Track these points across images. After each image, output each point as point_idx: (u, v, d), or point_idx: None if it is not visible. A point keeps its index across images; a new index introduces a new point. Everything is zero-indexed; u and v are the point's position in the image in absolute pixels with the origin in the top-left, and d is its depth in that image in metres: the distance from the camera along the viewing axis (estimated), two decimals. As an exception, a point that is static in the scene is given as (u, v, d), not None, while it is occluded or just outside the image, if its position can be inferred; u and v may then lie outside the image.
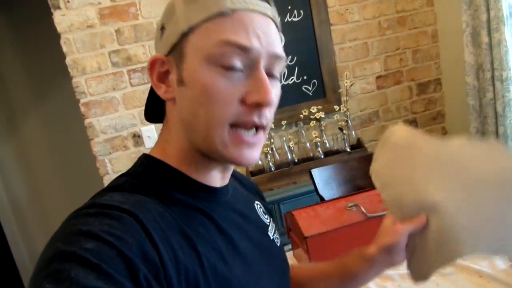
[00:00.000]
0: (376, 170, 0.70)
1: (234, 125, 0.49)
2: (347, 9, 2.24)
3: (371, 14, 2.28)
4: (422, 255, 0.64)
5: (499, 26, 1.78)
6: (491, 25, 1.82)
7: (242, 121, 0.48)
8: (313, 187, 1.60)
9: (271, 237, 0.65)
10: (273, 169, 2.05)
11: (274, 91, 0.50)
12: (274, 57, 0.50)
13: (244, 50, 0.47)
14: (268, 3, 0.51)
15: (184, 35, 0.48)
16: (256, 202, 0.69)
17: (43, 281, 0.36)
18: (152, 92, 0.57)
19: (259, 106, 0.48)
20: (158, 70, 0.52)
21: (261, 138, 0.52)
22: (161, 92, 0.52)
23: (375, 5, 2.28)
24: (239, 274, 0.52)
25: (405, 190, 0.66)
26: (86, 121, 1.98)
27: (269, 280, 0.59)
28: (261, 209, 0.68)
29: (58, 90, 2.80)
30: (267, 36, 0.49)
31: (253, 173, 2.08)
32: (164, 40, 0.51)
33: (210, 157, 0.52)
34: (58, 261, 0.37)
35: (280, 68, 0.52)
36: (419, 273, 0.65)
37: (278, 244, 0.67)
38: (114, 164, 2.03)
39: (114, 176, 2.00)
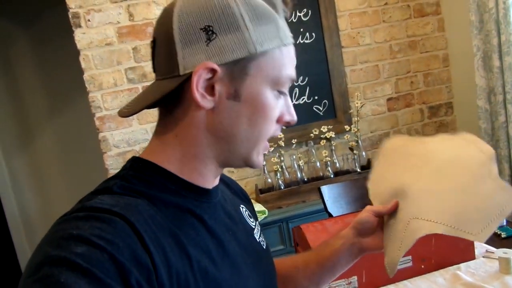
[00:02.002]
0: (371, 175, 0.79)
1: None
2: (359, 33, 2.28)
3: (382, 37, 2.31)
4: (393, 237, 0.67)
5: (510, 50, 1.80)
6: (502, 49, 1.83)
7: (273, 135, 0.56)
8: (322, 206, 1.59)
9: (258, 240, 0.65)
10: (282, 187, 2.04)
11: None
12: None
13: (292, 80, 0.55)
14: None
15: (252, 55, 0.50)
16: (242, 205, 0.69)
17: (32, 286, 0.36)
18: (174, 89, 0.51)
19: (288, 125, 0.57)
20: (205, 77, 0.49)
21: None
22: (204, 101, 0.50)
23: (386, 30, 2.32)
24: (228, 277, 0.52)
25: (384, 183, 0.74)
26: (100, 135, 2.03)
27: (256, 282, 0.58)
28: (246, 212, 0.68)
29: (72, 105, 2.88)
30: None
31: (262, 191, 2.07)
32: (216, 47, 0.49)
33: (231, 163, 0.56)
34: (48, 266, 0.37)
35: None
36: (390, 259, 0.66)
37: (264, 247, 0.67)
38: (125, 178, 2.05)
39: (124, 189, 2.04)
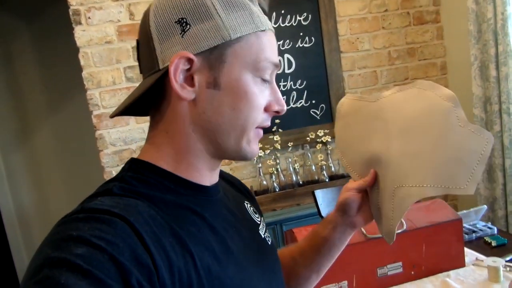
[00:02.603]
0: (336, 142, 0.76)
1: (257, 127, 0.56)
2: (358, 38, 2.30)
3: (381, 44, 2.33)
4: (383, 210, 0.65)
5: (507, 61, 1.81)
6: (499, 59, 1.85)
7: (263, 125, 0.56)
8: (316, 210, 1.60)
9: (263, 236, 0.65)
10: (277, 190, 2.05)
11: None
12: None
13: (275, 65, 0.55)
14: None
15: (228, 41, 0.50)
16: (246, 201, 0.69)
17: None
18: (150, 88, 0.52)
19: (275, 113, 0.56)
20: (182, 68, 0.50)
21: None
22: (183, 92, 0.50)
23: (386, 36, 2.33)
24: (232, 274, 0.52)
25: (356, 151, 0.71)
26: (97, 133, 2.03)
27: (261, 279, 0.59)
28: (251, 208, 0.69)
29: (70, 102, 2.88)
30: None
31: (257, 193, 2.08)
32: (190, 37, 0.49)
33: (222, 154, 0.55)
34: (48, 268, 0.37)
35: None
36: (386, 230, 0.65)
37: (270, 243, 0.67)
38: (121, 176, 2.05)
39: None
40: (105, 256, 0.38)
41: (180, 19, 0.50)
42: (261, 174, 2.12)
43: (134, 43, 2.02)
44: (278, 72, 0.64)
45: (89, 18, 1.97)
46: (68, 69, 2.61)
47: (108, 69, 2.01)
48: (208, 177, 0.57)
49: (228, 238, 0.55)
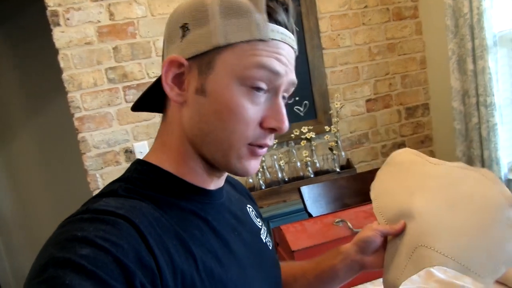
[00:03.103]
0: (374, 185, 0.75)
1: (251, 144, 0.52)
2: (339, 35, 2.32)
3: (362, 40, 2.36)
4: (396, 259, 0.65)
5: (483, 54, 1.86)
6: (476, 53, 1.90)
7: (258, 143, 0.52)
8: (302, 206, 1.62)
9: (264, 240, 0.66)
10: (263, 187, 2.06)
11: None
12: (292, 85, 0.54)
13: (276, 75, 0.50)
14: (294, 36, 0.54)
15: (218, 48, 0.49)
16: (248, 205, 0.70)
17: None
18: (155, 85, 0.56)
19: (273, 131, 0.52)
20: (174, 71, 0.51)
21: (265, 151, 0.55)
22: (172, 93, 0.51)
23: (366, 32, 2.36)
24: (234, 277, 0.52)
25: (392, 199, 0.69)
26: (79, 136, 2.00)
27: (262, 283, 0.59)
28: (253, 213, 0.69)
29: (50, 105, 2.82)
30: (291, 66, 0.53)
31: (243, 191, 2.09)
32: (187, 42, 0.50)
33: (216, 165, 0.54)
34: (52, 268, 0.37)
35: (290, 92, 0.56)
36: (392, 280, 0.65)
37: (270, 247, 0.67)
38: (106, 179, 2.03)
39: (105, 190, 2.02)
40: (109, 257, 0.39)
41: (184, 24, 0.51)
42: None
43: (114, 44, 2.00)
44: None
45: (67, 19, 1.94)
46: (47, 71, 2.56)
47: (89, 71, 1.98)
48: (211, 182, 0.57)
49: (230, 242, 0.55)
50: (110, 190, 0.50)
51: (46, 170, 2.89)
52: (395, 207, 0.69)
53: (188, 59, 0.50)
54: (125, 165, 2.05)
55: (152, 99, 0.58)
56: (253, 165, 0.53)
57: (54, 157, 2.85)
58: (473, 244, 0.61)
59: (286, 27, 0.52)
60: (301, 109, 2.28)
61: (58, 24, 1.93)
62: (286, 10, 0.53)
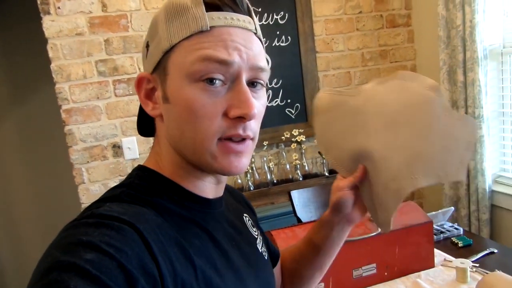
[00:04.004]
0: (317, 138, 0.75)
1: (222, 138, 0.50)
2: (333, 39, 2.33)
3: (355, 45, 2.37)
4: (376, 203, 0.66)
5: (473, 67, 1.89)
6: (467, 65, 1.93)
7: (228, 135, 0.49)
8: (290, 209, 1.62)
9: (260, 250, 0.66)
10: (252, 188, 2.06)
11: (260, 102, 0.52)
12: (258, 69, 0.50)
13: (224, 64, 0.47)
14: (250, 17, 0.51)
15: (166, 53, 0.50)
16: (245, 214, 0.69)
17: None
18: (142, 108, 0.57)
19: (242, 119, 0.49)
20: (145, 87, 0.53)
21: (249, 145, 0.52)
22: (148, 109, 0.54)
23: (359, 38, 2.37)
24: (231, 287, 0.53)
25: (341, 148, 0.70)
26: (66, 128, 1.95)
27: None
28: (249, 222, 0.69)
29: (36, 95, 2.74)
30: (249, 49, 0.49)
31: (231, 191, 2.08)
32: (148, 57, 0.53)
33: (202, 169, 0.53)
34: (57, 272, 0.37)
35: (265, 77, 0.52)
36: (382, 221, 0.66)
37: (266, 257, 0.68)
38: (91, 173, 1.99)
39: (89, 185, 1.99)
40: (113, 263, 0.39)
41: (147, 43, 0.54)
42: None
43: (106, 36, 1.96)
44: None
45: (58, 8, 1.88)
46: (34, 60, 2.49)
47: (78, 62, 1.94)
48: (212, 190, 0.57)
49: (229, 252, 0.56)
50: (113, 195, 0.50)
51: (30, 162, 2.81)
52: (348, 155, 0.69)
53: (152, 73, 0.53)
54: (112, 160, 2.01)
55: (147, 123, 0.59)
56: (234, 162, 0.50)
57: (37, 149, 2.78)
58: (428, 152, 0.61)
59: (234, 10, 0.50)
60: (293, 111, 2.28)
61: (48, 13, 1.88)
62: None
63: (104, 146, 2.00)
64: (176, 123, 0.50)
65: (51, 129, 2.57)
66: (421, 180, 0.61)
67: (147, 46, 0.53)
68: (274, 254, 0.78)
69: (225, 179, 0.59)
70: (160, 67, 0.51)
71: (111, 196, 0.50)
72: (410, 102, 0.64)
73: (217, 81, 0.48)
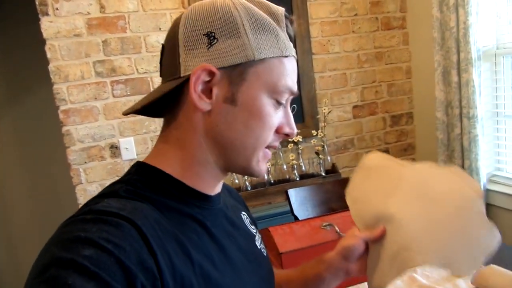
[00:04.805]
0: (349, 190, 0.77)
1: (266, 147, 0.57)
2: (329, 41, 2.35)
3: (351, 47, 2.40)
4: (379, 264, 0.67)
5: (467, 67, 1.92)
6: (461, 66, 1.96)
7: (272, 145, 0.57)
8: (287, 208, 1.63)
9: (258, 247, 0.67)
10: (249, 188, 2.07)
11: None
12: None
13: (292, 94, 0.56)
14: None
15: (251, 61, 0.51)
16: (243, 212, 0.70)
17: (38, 287, 0.36)
18: (168, 93, 0.53)
19: (286, 136, 0.58)
20: (204, 78, 0.51)
21: None
22: (200, 102, 0.51)
23: (355, 40, 2.40)
24: (230, 282, 0.53)
25: (368, 204, 0.72)
26: (64, 129, 1.96)
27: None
28: (247, 219, 0.70)
29: (33, 96, 2.74)
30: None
31: (229, 192, 2.09)
32: (215, 51, 0.51)
33: (229, 169, 0.56)
34: (55, 268, 0.37)
35: None
36: (377, 284, 0.67)
37: (265, 254, 0.68)
38: (89, 173, 2.00)
39: (87, 186, 1.99)
40: (112, 259, 0.39)
41: (209, 33, 0.51)
42: (233, 173, 2.12)
43: (104, 37, 1.97)
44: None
45: (56, 9, 1.89)
46: (31, 61, 2.49)
47: (76, 63, 1.95)
48: (212, 187, 0.58)
49: (227, 248, 0.56)
50: (111, 191, 0.50)
51: (26, 163, 2.80)
52: (372, 212, 0.70)
53: (218, 68, 0.51)
54: (110, 161, 2.02)
55: (154, 104, 0.56)
56: (265, 166, 0.58)
57: (34, 149, 2.78)
58: (451, 241, 0.64)
59: (292, 42, 0.57)
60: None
61: (47, 14, 1.89)
62: (291, 22, 0.57)
63: (102, 147, 2.01)
64: (236, 126, 0.52)
65: (48, 130, 2.57)
66: (431, 258, 0.63)
67: (212, 37, 0.51)
68: None
69: (225, 176, 0.60)
70: (235, 69, 0.51)
71: (109, 192, 0.50)
72: (452, 192, 0.67)
73: (283, 105, 0.56)
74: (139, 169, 0.54)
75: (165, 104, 0.56)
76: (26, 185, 2.81)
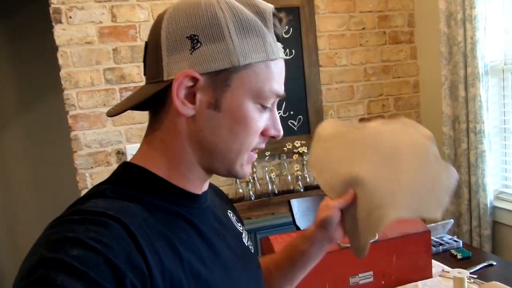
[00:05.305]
0: (312, 162, 0.81)
1: (252, 149, 0.56)
2: (336, 53, 2.37)
3: (358, 60, 2.41)
4: (357, 227, 0.71)
5: (474, 82, 1.91)
6: (468, 80, 1.95)
7: (257, 147, 0.56)
8: (290, 219, 1.63)
9: (246, 244, 0.67)
10: (253, 198, 2.07)
11: None
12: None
13: (279, 97, 0.55)
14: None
15: (236, 67, 0.50)
16: (229, 210, 0.71)
17: None
18: (159, 94, 0.52)
19: (272, 138, 0.57)
20: (186, 84, 0.50)
21: None
22: (183, 108, 0.50)
23: (363, 53, 2.41)
24: (220, 280, 0.53)
25: (335, 173, 0.75)
26: (72, 134, 1.99)
27: (246, 285, 0.60)
28: (233, 217, 0.70)
29: (44, 102, 2.80)
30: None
31: (233, 201, 2.07)
32: (198, 56, 0.50)
33: (212, 172, 0.56)
34: (43, 269, 0.37)
35: None
36: (358, 245, 0.71)
37: (252, 251, 0.69)
38: (95, 178, 2.02)
39: (93, 191, 2.01)
40: (100, 258, 0.39)
41: (192, 36, 0.50)
42: (237, 182, 2.13)
43: (115, 45, 2.01)
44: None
45: (70, 17, 1.94)
46: (43, 68, 2.55)
47: (87, 70, 1.99)
48: (198, 187, 0.58)
49: (216, 245, 0.56)
50: (98, 191, 0.50)
51: (35, 167, 2.85)
52: (340, 180, 0.74)
53: (202, 74, 0.50)
54: (115, 167, 2.03)
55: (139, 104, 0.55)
56: (249, 169, 0.58)
57: (43, 153, 2.82)
58: (416, 189, 0.68)
59: (280, 41, 0.55)
60: (295, 123, 2.30)
61: (60, 22, 1.94)
62: (280, 20, 0.55)
63: (108, 152, 2.03)
64: (220, 131, 0.52)
65: (57, 135, 2.61)
66: (403, 211, 0.68)
67: (195, 40, 0.49)
68: None
69: (211, 175, 0.59)
70: (219, 75, 0.50)
71: (95, 192, 0.49)
72: (407, 144, 0.72)
73: (269, 108, 0.55)
74: (126, 169, 0.54)
75: (150, 103, 0.54)
76: (34, 189, 2.85)
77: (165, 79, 0.51)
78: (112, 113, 0.56)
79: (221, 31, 0.50)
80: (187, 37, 0.50)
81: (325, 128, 0.80)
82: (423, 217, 0.66)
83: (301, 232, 0.78)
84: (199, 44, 0.49)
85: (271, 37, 0.53)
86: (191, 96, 0.51)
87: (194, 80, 0.50)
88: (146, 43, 0.55)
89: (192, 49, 0.50)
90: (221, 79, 0.50)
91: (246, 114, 0.52)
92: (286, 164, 2.20)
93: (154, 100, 0.53)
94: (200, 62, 0.50)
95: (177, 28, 0.50)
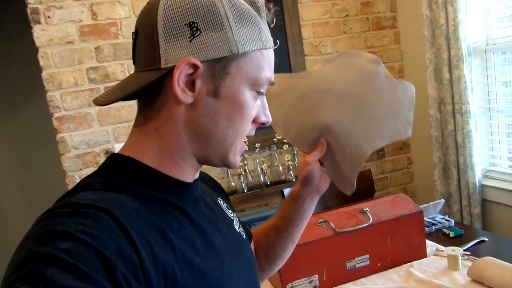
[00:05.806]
0: (274, 123, 0.79)
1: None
2: (321, 42, 2.37)
3: (343, 48, 2.41)
4: (339, 169, 0.73)
5: (458, 64, 1.94)
6: (452, 62, 1.97)
7: (249, 135, 0.58)
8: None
9: (238, 230, 0.67)
10: (245, 191, 2.07)
11: None
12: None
13: (271, 84, 0.57)
14: None
15: (234, 55, 0.51)
16: (219, 198, 0.71)
17: (16, 283, 0.35)
18: (155, 82, 0.51)
19: (261, 124, 0.59)
20: (186, 72, 0.50)
21: None
22: (183, 96, 0.50)
23: (347, 40, 2.42)
24: (213, 267, 0.53)
25: (299, 127, 0.76)
26: (58, 136, 1.96)
27: (240, 271, 0.60)
28: (224, 205, 0.70)
29: (28, 105, 2.75)
30: None
31: (225, 194, 2.09)
32: (198, 44, 0.50)
33: (206, 161, 0.56)
34: (32, 263, 0.36)
35: None
36: (346, 185, 0.74)
37: (244, 237, 0.69)
38: (84, 180, 1.99)
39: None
40: (90, 251, 0.38)
41: (191, 23, 0.49)
42: (229, 175, 2.13)
43: (96, 44, 1.98)
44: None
45: (48, 17, 1.90)
46: (26, 71, 2.50)
47: (69, 70, 1.95)
48: (190, 175, 0.58)
49: (208, 233, 0.56)
50: (86, 183, 0.49)
51: (22, 172, 2.80)
52: (308, 132, 0.75)
53: (201, 62, 0.50)
54: (105, 167, 2.01)
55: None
56: (239, 158, 0.59)
57: (31, 158, 2.78)
58: (379, 116, 0.71)
59: (269, 29, 0.56)
60: (284, 113, 2.30)
61: (39, 22, 1.90)
62: (269, 10, 0.56)
63: (97, 153, 2.01)
64: (217, 119, 0.52)
65: (44, 138, 2.57)
66: (377, 142, 0.70)
67: (194, 28, 0.49)
68: (248, 235, 0.80)
69: (201, 166, 0.59)
70: (219, 63, 0.51)
71: (83, 185, 0.49)
72: (357, 76, 0.73)
73: (263, 94, 0.57)
74: (115, 160, 0.53)
75: (142, 92, 0.53)
76: (22, 193, 2.80)
77: (163, 66, 0.50)
78: (102, 102, 0.54)
79: (220, 19, 0.50)
80: (185, 24, 0.49)
81: (271, 86, 0.82)
82: (397, 140, 0.68)
83: (289, 194, 0.80)
84: (198, 32, 0.50)
85: (264, 26, 0.54)
86: (190, 83, 0.51)
87: (194, 67, 0.50)
88: (136, 30, 0.53)
89: (192, 37, 0.50)
90: (220, 66, 0.51)
91: (243, 101, 0.53)
92: (276, 155, 2.20)
93: (147, 89, 0.52)
94: (200, 50, 0.50)
95: (175, 15, 0.50)
